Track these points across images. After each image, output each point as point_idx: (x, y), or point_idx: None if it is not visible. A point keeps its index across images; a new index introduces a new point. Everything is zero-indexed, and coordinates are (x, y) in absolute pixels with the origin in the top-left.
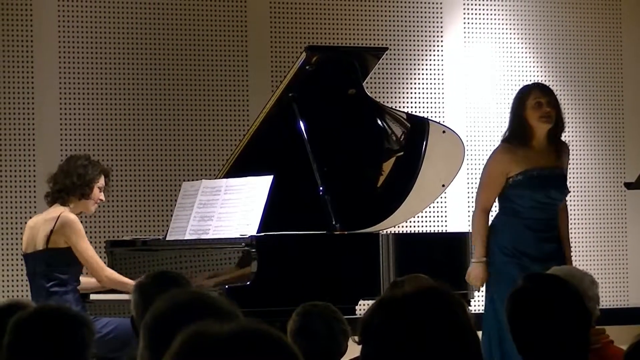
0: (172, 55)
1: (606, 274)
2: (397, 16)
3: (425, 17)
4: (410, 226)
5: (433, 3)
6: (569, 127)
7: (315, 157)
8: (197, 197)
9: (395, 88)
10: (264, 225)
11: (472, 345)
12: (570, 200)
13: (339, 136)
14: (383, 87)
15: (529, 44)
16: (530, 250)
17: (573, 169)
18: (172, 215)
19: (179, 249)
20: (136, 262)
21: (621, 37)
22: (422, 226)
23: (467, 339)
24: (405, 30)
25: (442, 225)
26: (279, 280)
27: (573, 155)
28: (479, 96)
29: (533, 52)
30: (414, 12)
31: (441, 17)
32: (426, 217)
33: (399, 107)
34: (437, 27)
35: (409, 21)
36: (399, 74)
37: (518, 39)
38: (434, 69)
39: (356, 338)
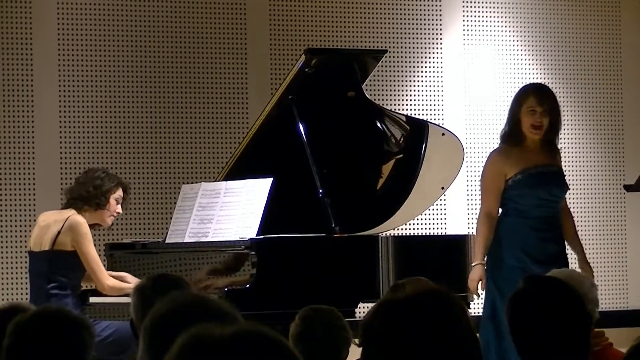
0: (172, 58)
1: (606, 276)
2: (397, 19)
3: (425, 19)
4: (410, 229)
5: (432, 5)
6: (568, 129)
7: (315, 160)
8: (197, 200)
9: (394, 90)
10: (263, 227)
11: (472, 348)
12: (570, 203)
13: (338, 139)
14: (382, 90)
15: (528, 46)
16: (534, 252)
17: (573, 171)
18: (171, 218)
19: (179, 251)
20: (136, 265)
21: (620, 39)
22: (422, 229)
23: (467, 342)
24: (405, 33)
25: (441, 228)
26: (278, 283)
27: (573, 157)
28: (478, 98)
29: (532, 54)
30: (413, 14)
31: (440, 20)
32: (425, 219)
33: (399, 109)
34: (437, 29)
35: (409, 24)
36: (398, 76)
37: (517, 41)
38: (434, 72)
39: (357, 341)
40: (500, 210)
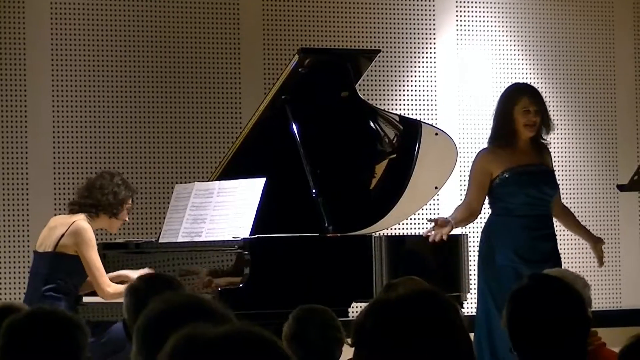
0: (165, 58)
1: (599, 276)
2: (390, 18)
3: (418, 19)
4: (403, 228)
5: (426, 5)
6: (561, 128)
7: (308, 160)
8: (190, 200)
9: (388, 90)
10: (256, 227)
11: (464, 348)
12: (564, 203)
13: (331, 138)
14: (376, 89)
15: (522, 46)
16: (525, 252)
17: (566, 171)
18: (164, 218)
19: (172, 251)
20: (129, 265)
21: (614, 39)
22: (415, 228)
23: (459, 342)
24: (398, 33)
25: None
26: (271, 283)
27: (566, 157)
28: (472, 98)
29: (525, 54)
30: (406, 14)
31: (434, 19)
32: (419, 219)
33: (392, 109)
34: (430, 29)
35: (402, 23)
36: (391, 76)
37: (510, 41)
38: (427, 71)
39: (349, 340)
40: (490, 210)
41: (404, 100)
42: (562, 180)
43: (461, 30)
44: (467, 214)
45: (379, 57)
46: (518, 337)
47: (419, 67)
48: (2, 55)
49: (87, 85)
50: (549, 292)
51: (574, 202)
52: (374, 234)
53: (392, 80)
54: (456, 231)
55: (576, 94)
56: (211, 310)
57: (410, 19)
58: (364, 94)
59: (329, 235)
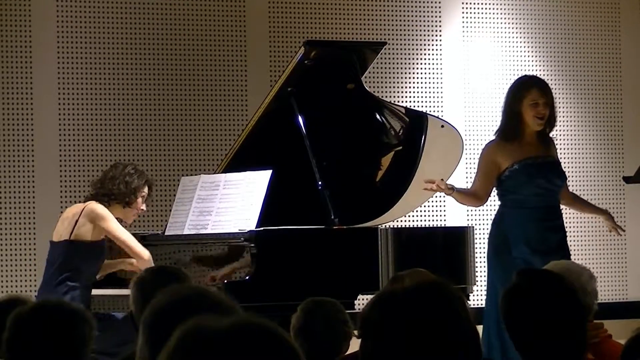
0: (171, 52)
1: (605, 268)
2: (396, 10)
3: (424, 11)
4: (409, 221)
5: None
6: (567, 121)
7: (314, 152)
8: (196, 192)
9: (393, 82)
10: (262, 220)
11: (471, 340)
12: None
13: (337, 131)
14: (382, 82)
15: (528, 37)
16: (534, 243)
17: (572, 163)
18: (171, 210)
19: (178, 244)
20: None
21: (619, 31)
22: (421, 221)
23: (466, 334)
24: (404, 25)
25: (441, 220)
26: (277, 275)
27: (572, 149)
28: (478, 90)
29: (531, 46)
30: (412, 6)
31: (440, 11)
32: (425, 211)
33: (398, 101)
34: (436, 21)
35: (408, 15)
36: (397, 68)
37: (516, 32)
38: (433, 63)
39: (356, 332)
40: (499, 203)
41: (409, 92)
42: (569, 172)
43: (467, 22)
44: (471, 196)
45: (385, 49)
46: (515, 335)
47: (425, 59)
48: (9, 51)
49: (93, 80)
50: (538, 287)
51: (580, 194)
52: (380, 226)
53: (398, 73)
54: (462, 223)
55: (582, 87)
56: (217, 303)
57: (416, 11)
58: (369, 86)
59: (335, 227)
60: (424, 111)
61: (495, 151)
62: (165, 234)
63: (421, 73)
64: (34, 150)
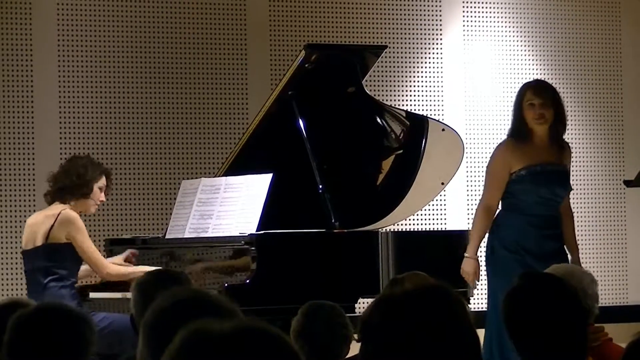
0: (172, 54)
1: (605, 272)
2: (397, 14)
3: (425, 15)
4: (410, 224)
5: (432, 1)
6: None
7: (315, 155)
8: (197, 195)
9: (394, 86)
10: (263, 223)
11: (471, 344)
12: (570, 198)
13: (338, 134)
14: (382, 85)
15: (528, 41)
16: (533, 248)
17: (572, 166)
18: (171, 214)
19: (179, 247)
20: (136, 261)
21: (620, 35)
22: (422, 224)
23: (466, 337)
24: (405, 28)
25: (441, 223)
26: (278, 279)
27: (573, 153)
28: (478, 94)
29: (532, 50)
30: (413, 10)
31: (440, 15)
32: (425, 215)
33: (399, 105)
34: (437, 24)
35: (409, 19)
36: (398, 72)
37: (517, 36)
38: (434, 67)
39: (356, 336)
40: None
41: (410, 96)
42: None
43: (468, 26)
44: (487, 224)
45: (386, 52)
46: (516, 337)
47: (426, 62)
48: (9, 51)
49: (94, 81)
50: (540, 290)
51: (581, 198)
52: (380, 229)
53: (398, 76)
54: (462, 227)
55: (582, 90)
56: (218, 306)
57: (417, 15)
58: (370, 90)
59: (335, 231)
60: (425, 115)
61: (508, 152)
62: (166, 237)
63: (422, 76)
64: (34, 153)
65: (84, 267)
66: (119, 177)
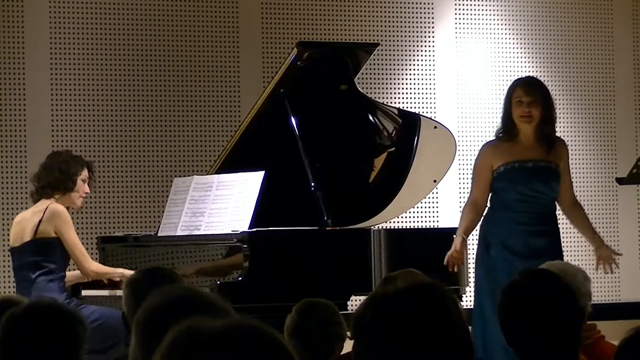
0: (164, 52)
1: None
2: (389, 12)
3: (417, 13)
4: (402, 222)
5: None
6: (561, 122)
7: (307, 153)
8: (189, 193)
9: (386, 84)
10: (255, 221)
11: (463, 341)
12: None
13: (330, 132)
14: (375, 83)
15: (520, 39)
16: (518, 247)
17: None
18: (163, 211)
19: (171, 245)
20: (128, 259)
21: (612, 34)
22: (414, 222)
23: (458, 335)
24: (397, 26)
25: (433, 221)
26: (270, 276)
27: None
28: (471, 92)
29: (524, 48)
30: (405, 8)
31: (432, 13)
32: (418, 212)
33: (391, 102)
34: (429, 23)
35: (401, 17)
36: (390, 69)
37: (509, 35)
38: (426, 65)
39: (348, 334)
40: (488, 203)
41: (402, 93)
42: None
43: (460, 23)
44: (474, 215)
45: (378, 50)
46: (511, 333)
47: (418, 60)
48: (1, 49)
49: (86, 79)
50: (538, 286)
51: None
52: (372, 227)
53: (390, 74)
54: (455, 224)
55: (575, 88)
56: (210, 304)
57: (409, 13)
58: (362, 88)
59: (327, 228)
60: (417, 112)
61: (489, 152)
62: (158, 235)
63: (414, 74)
64: (26, 152)
65: (72, 273)
66: (111, 175)
